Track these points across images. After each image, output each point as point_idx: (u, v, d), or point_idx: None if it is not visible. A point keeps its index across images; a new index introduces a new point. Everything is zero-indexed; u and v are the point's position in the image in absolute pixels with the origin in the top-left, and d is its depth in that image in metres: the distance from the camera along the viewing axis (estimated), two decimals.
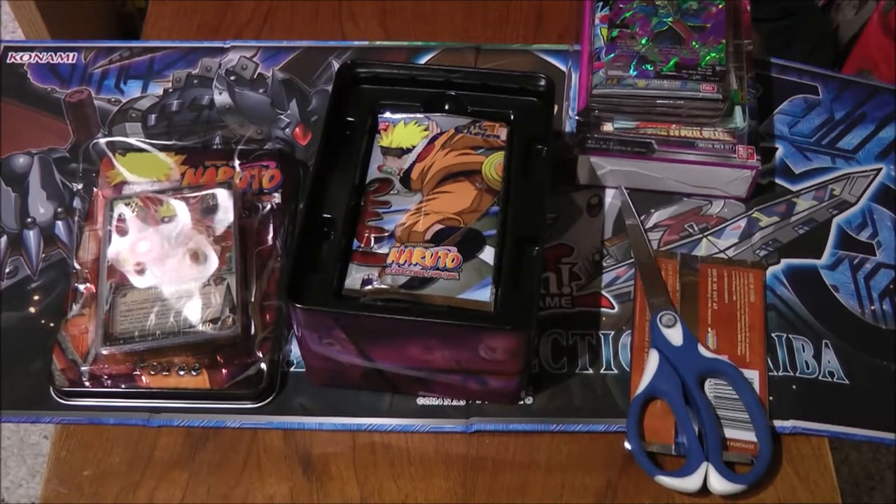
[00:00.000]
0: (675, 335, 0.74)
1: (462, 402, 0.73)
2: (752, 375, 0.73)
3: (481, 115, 0.75)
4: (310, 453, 0.72)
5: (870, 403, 0.73)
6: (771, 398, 0.73)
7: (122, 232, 0.76)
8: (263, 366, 0.73)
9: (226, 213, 0.77)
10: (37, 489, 1.34)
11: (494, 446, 0.72)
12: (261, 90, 0.89)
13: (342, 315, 0.65)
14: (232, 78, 0.89)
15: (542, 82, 0.75)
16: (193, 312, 0.72)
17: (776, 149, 0.85)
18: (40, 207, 0.82)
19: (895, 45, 1.20)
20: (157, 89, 0.89)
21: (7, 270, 0.79)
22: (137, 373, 0.72)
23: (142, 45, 0.92)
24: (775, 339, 0.75)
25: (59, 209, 0.82)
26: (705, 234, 0.81)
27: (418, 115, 0.74)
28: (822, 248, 0.80)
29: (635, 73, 0.78)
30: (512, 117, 0.75)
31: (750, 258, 0.79)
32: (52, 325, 0.75)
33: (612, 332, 0.76)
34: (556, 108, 0.78)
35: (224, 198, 0.77)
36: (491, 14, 0.95)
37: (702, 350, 0.73)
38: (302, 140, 0.86)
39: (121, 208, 0.77)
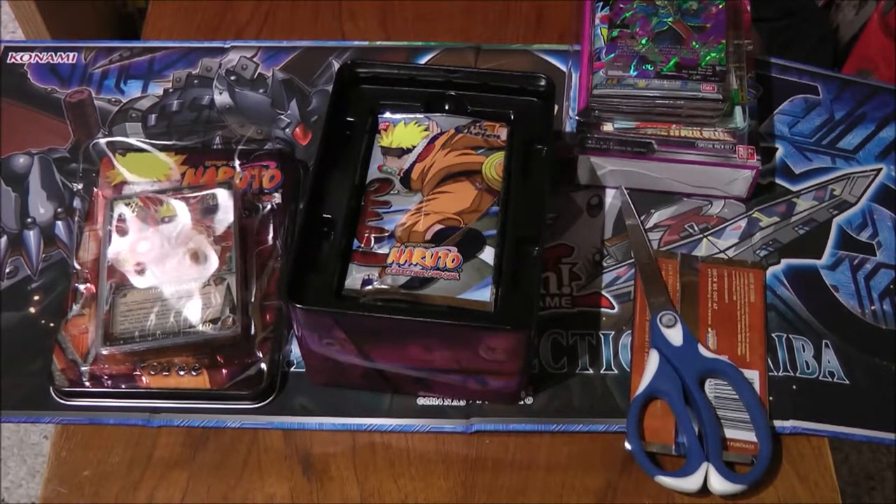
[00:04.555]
0: (675, 335, 0.74)
1: (462, 402, 0.73)
2: (752, 375, 0.73)
3: (481, 115, 0.75)
4: (310, 453, 0.72)
5: (870, 403, 0.73)
6: (771, 398, 0.73)
7: (122, 232, 0.76)
8: (263, 366, 0.73)
9: (226, 213, 0.77)
10: (37, 489, 1.34)
11: (494, 446, 0.72)
12: (261, 90, 0.89)
13: (342, 315, 0.65)
14: (232, 78, 0.89)
15: (542, 82, 0.75)
16: (193, 312, 0.72)
17: (776, 149, 0.85)
18: (40, 207, 0.82)
19: (895, 45, 1.20)
20: (157, 89, 0.89)
21: (7, 270, 0.79)
22: (137, 373, 0.72)
23: (142, 45, 0.92)
24: (775, 339, 0.75)
25: (59, 209, 0.82)
26: (705, 234, 0.81)
27: (418, 115, 0.74)
28: (823, 248, 0.80)
29: (635, 73, 0.78)
30: (512, 117, 0.75)
31: (750, 258, 0.79)
32: (52, 325, 0.75)
33: (612, 332, 0.76)
34: (556, 108, 0.78)
35: (224, 198, 0.77)
36: (491, 14, 0.95)
37: (702, 350, 0.73)
38: (302, 140, 0.86)
39: (121, 208, 0.77)
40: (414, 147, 0.73)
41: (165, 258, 0.75)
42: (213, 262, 0.74)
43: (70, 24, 1.29)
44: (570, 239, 0.80)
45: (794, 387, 0.73)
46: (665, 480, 0.69)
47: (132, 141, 0.83)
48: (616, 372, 0.74)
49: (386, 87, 0.76)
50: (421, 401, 0.73)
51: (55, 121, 0.87)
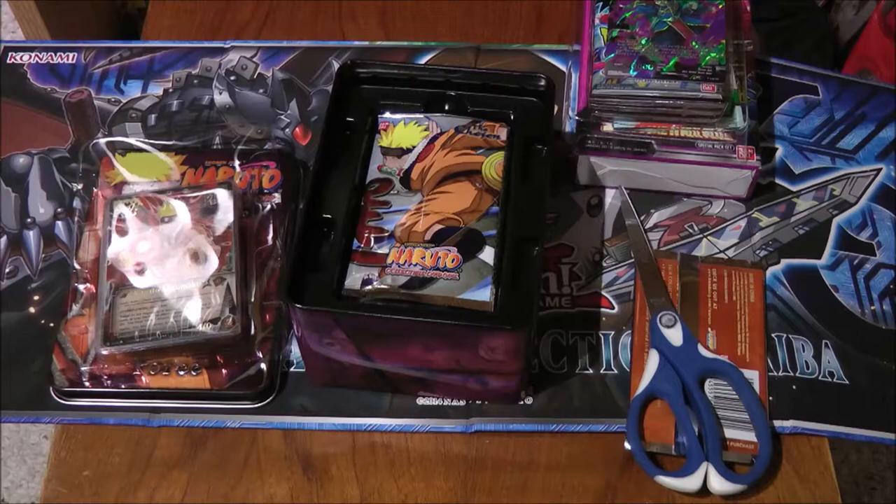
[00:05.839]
0: (675, 335, 0.74)
1: (462, 402, 0.73)
2: (752, 375, 0.73)
3: (481, 115, 0.75)
4: (310, 453, 0.72)
5: (870, 403, 0.73)
6: (771, 398, 0.73)
7: (122, 232, 0.76)
8: (263, 366, 0.73)
9: (226, 213, 0.77)
10: (37, 489, 1.34)
11: (494, 446, 0.72)
12: (261, 90, 0.89)
13: (342, 315, 0.65)
14: (232, 78, 0.89)
15: (542, 82, 0.75)
16: (193, 312, 0.72)
17: (776, 149, 0.85)
18: (40, 207, 0.82)
19: (895, 45, 1.20)
20: (157, 89, 0.89)
21: (7, 270, 0.79)
22: (137, 373, 0.72)
23: (142, 45, 0.92)
24: (775, 339, 0.75)
25: (59, 209, 0.82)
26: (705, 234, 0.81)
27: (418, 115, 0.74)
28: (822, 248, 0.80)
29: (635, 73, 0.78)
30: (512, 117, 0.75)
31: (750, 258, 0.79)
32: (52, 325, 0.75)
33: (612, 332, 0.76)
34: (556, 108, 0.78)
35: (224, 198, 0.77)
36: (491, 14, 0.95)
37: (702, 350, 0.73)
38: (302, 140, 0.86)
39: (121, 208, 0.77)
40: (414, 147, 0.73)
41: (165, 258, 0.75)
42: (213, 262, 0.74)
43: (70, 24, 1.29)
44: (570, 239, 0.80)
45: (794, 387, 0.73)
46: (665, 480, 0.69)
47: (132, 141, 0.83)
48: (616, 372, 0.74)
49: (386, 87, 0.76)
50: (421, 401, 0.73)
51: (55, 121, 0.87)
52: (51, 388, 0.73)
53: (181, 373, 0.72)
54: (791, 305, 0.77)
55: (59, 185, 0.83)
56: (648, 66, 0.78)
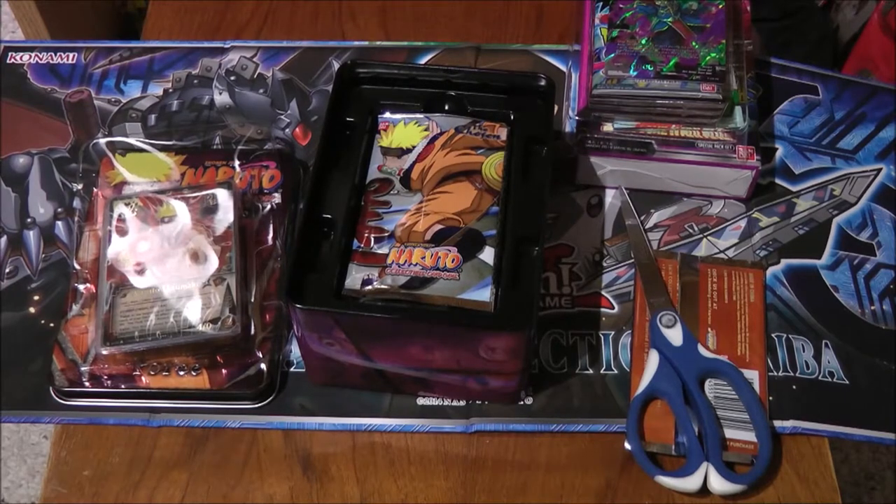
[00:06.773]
0: (675, 335, 0.74)
1: (462, 402, 0.73)
2: (752, 375, 0.73)
3: (481, 115, 0.75)
4: (310, 453, 0.72)
5: (870, 403, 0.73)
6: (771, 398, 0.73)
7: (122, 232, 0.76)
8: (263, 366, 0.73)
9: (226, 213, 0.77)
10: (37, 489, 1.34)
11: (494, 446, 0.72)
12: (261, 90, 0.89)
13: (342, 315, 0.65)
14: (232, 78, 0.89)
15: (542, 82, 0.75)
16: (193, 312, 0.72)
17: (776, 149, 0.85)
18: (40, 207, 0.82)
19: (895, 45, 1.20)
20: (157, 89, 0.89)
21: (7, 270, 0.79)
22: (137, 373, 0.72)
23: (142, 45, 0.92)
24: (775, 339, 0.75)
25: (59, 209, 0.82)
26: (705, 234, 0.81)
27: (418, 115, 0.74)
28: (822, 248, 0.80)
29: (635, 73, 0.78)
30: (512, 117, 0.75)
31: (750, 258, 0.79)
32: (52, 325, 0.75)
33: (612, 332, 0.76)
34: (556, 108, 0.78)
35: (224, 198, 0.77)
36: (491, 14, 0.95)
37: (702, 350, 0.73)
38: (302, 140, 0.86)
39: (121, 208, 0.77)
40: (414, 147, 0.73)
41: (165, 258, 0.75)
42: (213, 262, 0.74)
43: (70, 24, 1.30)
44: (570, 239, 0.80)
45: (794, 387, 0.73)
46: (665, 480, 0.69)
47: (132, 141, 0.83)
48: (616, 372, 0.74)
49: (386, 87, 0.76)
50: (421, 401, 0.73)
51: (55, 121, 0.87)
52: (51, 388, 0.73)
53: (181, 373, 0.72)
54: (791, 305, 0.77)
55: (59, 185, 0.83)
56: (648, 66, 0.78)
